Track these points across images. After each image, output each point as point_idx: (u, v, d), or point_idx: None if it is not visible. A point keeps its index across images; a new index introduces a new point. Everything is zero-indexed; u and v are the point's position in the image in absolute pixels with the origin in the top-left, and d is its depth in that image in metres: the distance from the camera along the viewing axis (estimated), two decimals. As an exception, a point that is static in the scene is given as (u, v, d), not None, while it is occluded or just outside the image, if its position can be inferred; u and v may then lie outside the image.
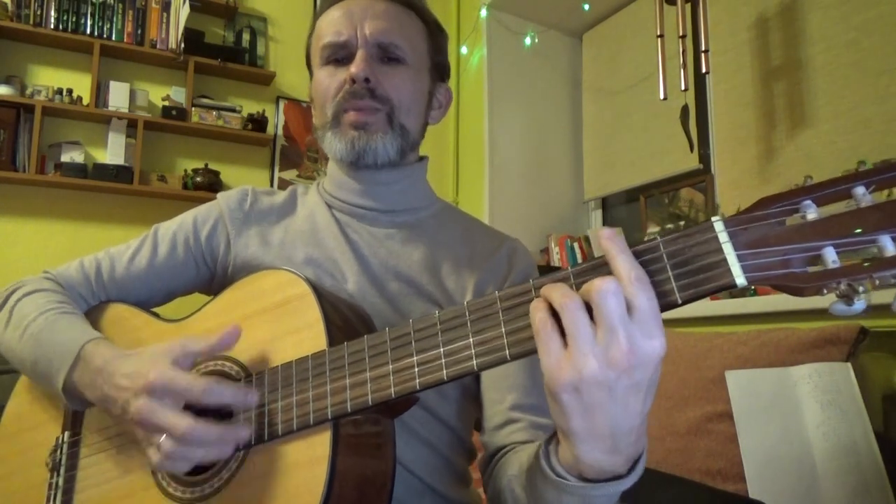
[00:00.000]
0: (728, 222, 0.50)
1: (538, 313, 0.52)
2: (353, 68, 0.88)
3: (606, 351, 0.49)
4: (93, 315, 0.91)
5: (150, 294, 0.95)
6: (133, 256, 0.94)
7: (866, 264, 0.45)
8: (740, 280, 0.49)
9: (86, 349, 0.77)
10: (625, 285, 0.50)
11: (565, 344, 0.51)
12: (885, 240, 0.44)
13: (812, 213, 0.48)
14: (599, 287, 0.49)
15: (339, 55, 0.91)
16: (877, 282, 0.45)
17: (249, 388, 0.70)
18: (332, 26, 0.92)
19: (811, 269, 0.48)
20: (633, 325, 0.49)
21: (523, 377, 0.86)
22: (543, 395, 0.85)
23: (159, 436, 0.66)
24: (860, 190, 0.46)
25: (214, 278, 0.97)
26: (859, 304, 0.46)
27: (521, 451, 0.76)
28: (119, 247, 0.97)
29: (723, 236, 0.50)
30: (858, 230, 0.46)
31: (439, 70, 1.00)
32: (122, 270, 0.94)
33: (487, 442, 0.85)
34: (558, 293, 0.51)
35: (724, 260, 0.50)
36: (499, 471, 0.79)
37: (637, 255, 0.53)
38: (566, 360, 0.50)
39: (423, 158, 1.01)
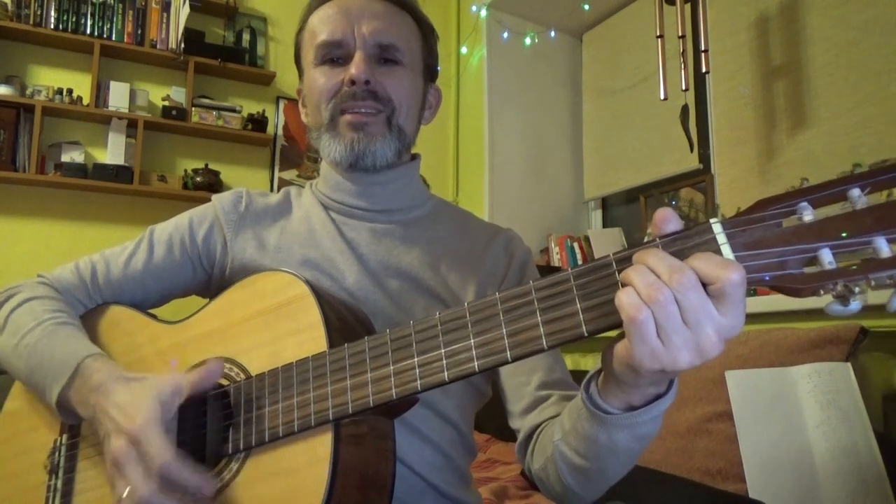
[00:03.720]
0: (726, 224, 0.51)
1: (629, 298, 0.50)
2: (354, 70, 0.87)
3: (697, 343, 0.49)
4: (90, 318, 0.91)
5: (146, 296, 0.95)
6: (129, 258, 0.94)
7: (861, 266, 0.45)
8: (739, 281, 0.49)
9: (84, 364, 0.76)
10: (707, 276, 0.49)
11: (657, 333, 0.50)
12: (880, 241, 0.45)
13: (808, 214, 0.48)
14: (679, 283, 0.48)
15: (335, 55, 0.90)
16: (872, 283, 0.45)
17: (207, 478, 0.68)
18: (327, 24, 0.90)
19: (808, 270, 0.48)
20: (717, 314, 0.49)
21: (544, 357, 0.87)
22: (566, 369, 0.89)
23: (123, 484, 0.66)
24: (855, 192, 0.47)
25: (211, 280, 0.96)
26: (855, 305, 0.46)
27: (555, 420, 0.77)
28: (114, 248, 0.96)
29: (721, 238, 0.51)
30: (854, 232, 0.46)
31: (430, 71, 1.00)
32: (117, 272, 0.93)
33: (521, 425, 0.85)
34: (644, 284, 0.50)
35: None
36: (540, 444, 0.79)
37: None
38: (661, 352, 0.50)
39: (415, 157, 1.01)
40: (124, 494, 0.66)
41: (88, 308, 0.92)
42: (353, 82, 0.87)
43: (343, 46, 0.89)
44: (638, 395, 0.60)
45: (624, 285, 0.52)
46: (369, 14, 0.90)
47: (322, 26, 0.91)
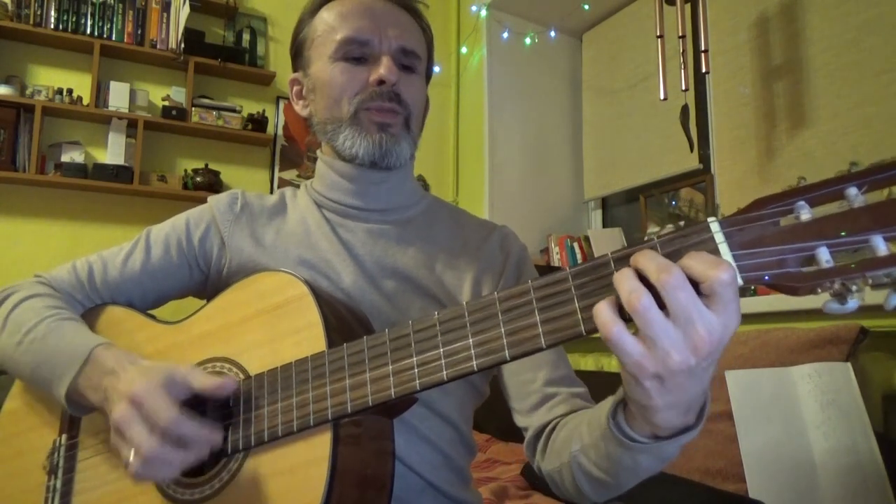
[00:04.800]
0: (724, 223, 0.51)
1: (601, 316, 0.51)
2: (385, 71, 0.88)
3: (686, 342, 0.49)
4: (89, 317, 0.90)
5: (143, 297, 0.95)
6: (126, 259, 0.94)
7: (858, 264, 0.45)
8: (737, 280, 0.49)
9: (95, 352, 0.77)
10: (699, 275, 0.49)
11: (640, 339, 0.50)
12: (876, 240, 0.45)
13: (806, 213, 0.48)
14: (666, 282, 0.48)
15: (358, 53, 0.90)
16: (870, 281, 0.45)
17: (215, 430, 0.69)
18: (351, 20, 0.91)
19: (805, 268, 0.48)
20: (708, 311, 0.49)
21: (548, 353, 0.87)
22: (569, 365, 0.89)
23: (127, 447, 0.67)
24: (853, 191, 0.47)
25: (208, 281, 0.96)
26: (852, 303, 0.46)
27: (571, 424, 0.77)
28: (112, 249, 0.96)
29: (719, 237, 0.51)
30: (851, 230, 0.46)
31: (427, 78, 1.01)
32: (115, 273, 0.93)
33: (528, 423, 0.85)
34: (626, 290, 0.50)
35: None
36: (554, 447, 0.79)
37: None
38: (648, 356, 0.50)
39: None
40: (130, 456, 0.66)
41: (86, 308, 0.92)
42: (381, 82, 0.88)
43: (369, 46, 0.90)
44: (660, 420, 0.57)
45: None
46: (393, 19, 0.92)
47: (345, 22, 0.91)
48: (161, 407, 0.67)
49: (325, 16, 0.94)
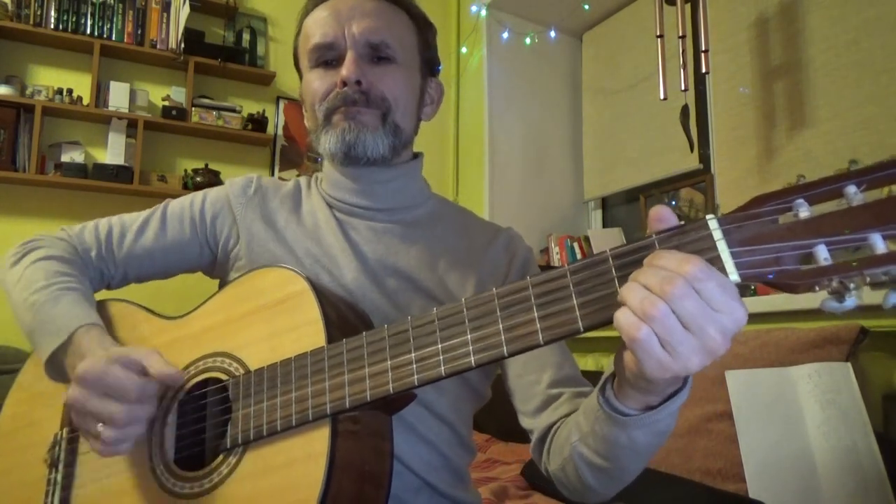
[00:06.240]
0: (722, 220, 0.51)
1: (625, 317, 0.51)
2: (345, 70, 0.87)
3: (702, 347, 0.49)
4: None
5: (153, 267, 0.98)
6: (142, 229, 0.97)
7: (857, 262, 0.45)
8: (734, 277, 0.50)
9: (77, 333, 0.80)
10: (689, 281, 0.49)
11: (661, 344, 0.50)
12: (875, 238, 0.45)
13: (805, 211, 0.48)
14: (672, 294, 0.48)
15: (328, 57, 0.90)
16: (867, 279, 0.45)
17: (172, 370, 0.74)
18: (318, 27, 0.90)
19: (804, 266, 0.48)
20: (717, 314, 0.49)
21: (553, 354, 0.87)
22: (575, 365, 0.89)
23: (94, 423, 0.71)
24: (852, 189, 0.47)
25: (217, 261, 0.98)
26: (850, 301, 0.46)
27: (571, 418, 0.77)
28: (132, 215, 1.00)
29: (717, 234, 0.51)
30: (849, 228, 0.46)
31: (429, 65, 0.99)
32: (129, 241, 0.96)
33: (534, 425, 0.85)
34: (637, 301, 0.50)
35: (718, 257, 0.51)
36: (556, 445, 0.80)
37: (632, 252, 0.54)
38: (669, 362, 0.50)
39: (417, 155, 1.01)
40: (99, 428, 0.70)
41: (98, 269, 0.96)
42: (344, 84, 0.87)
43: (335, 48, 0.89)
44: (655, 396, 0.61)
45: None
46: (360, 13, 0.89)
47: (314, 29, 0.91)
48: (114, 373, 0.71)
49: (305, 25, 0.94)
